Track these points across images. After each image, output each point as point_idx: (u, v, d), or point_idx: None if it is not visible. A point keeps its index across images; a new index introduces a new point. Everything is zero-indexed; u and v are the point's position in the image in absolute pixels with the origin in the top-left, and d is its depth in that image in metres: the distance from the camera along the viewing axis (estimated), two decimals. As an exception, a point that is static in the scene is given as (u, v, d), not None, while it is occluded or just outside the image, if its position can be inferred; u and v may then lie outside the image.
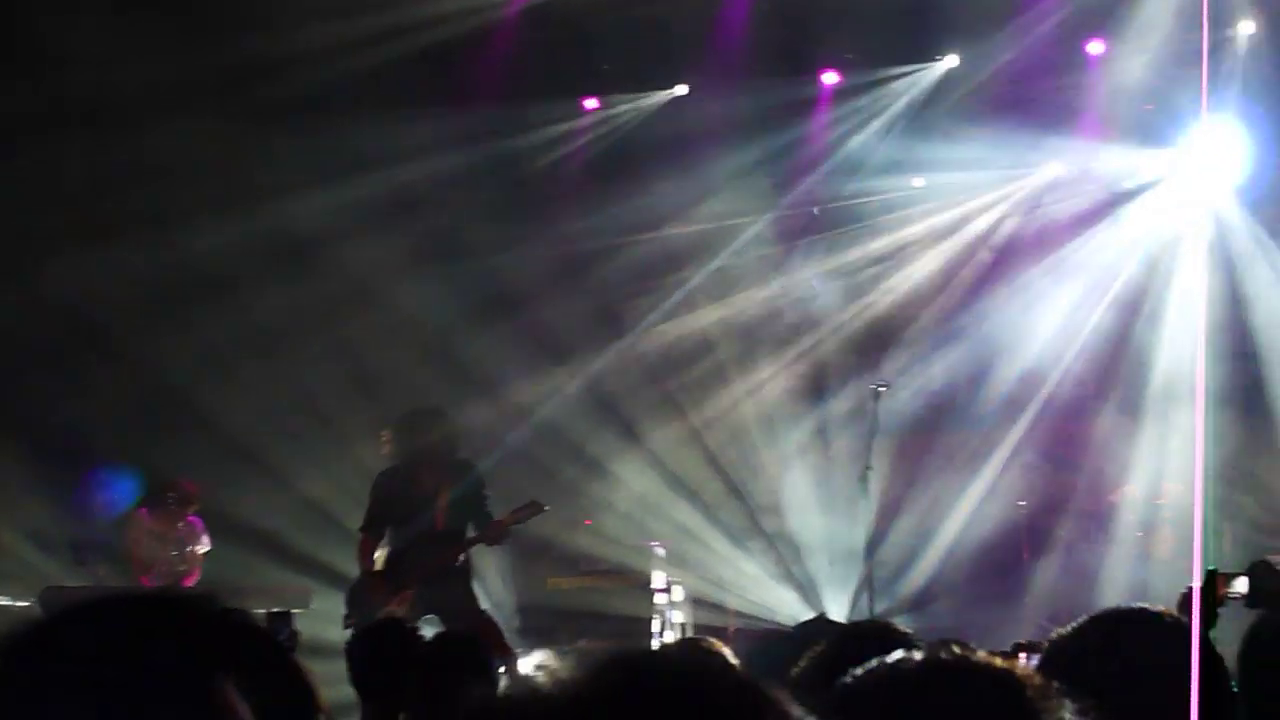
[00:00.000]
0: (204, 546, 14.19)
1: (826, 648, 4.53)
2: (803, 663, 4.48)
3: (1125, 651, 3.72)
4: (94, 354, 15.76)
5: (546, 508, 12.54)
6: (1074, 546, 16.01)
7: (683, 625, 15.52)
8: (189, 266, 15.78)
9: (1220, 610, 5.54)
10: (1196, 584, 4.92)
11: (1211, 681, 3.60)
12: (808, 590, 16.55)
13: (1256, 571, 5.76)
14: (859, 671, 2.55)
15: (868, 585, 13.40)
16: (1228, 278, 15.94)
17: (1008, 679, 2.46)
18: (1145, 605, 3.93)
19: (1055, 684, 2.45)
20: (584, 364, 17.19)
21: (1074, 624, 3.94)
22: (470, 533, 12.25)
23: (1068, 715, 2.40)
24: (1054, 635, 3.98)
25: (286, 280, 15.97)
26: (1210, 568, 5.61)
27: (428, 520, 12.15)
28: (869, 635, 4.73)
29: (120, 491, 15.14)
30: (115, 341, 15.58)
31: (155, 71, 14.45)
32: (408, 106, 15.68)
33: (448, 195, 16.51)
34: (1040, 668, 3.66)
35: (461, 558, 12.24)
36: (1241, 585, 5.71)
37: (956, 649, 2.53)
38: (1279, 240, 16.34)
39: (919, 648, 4.46)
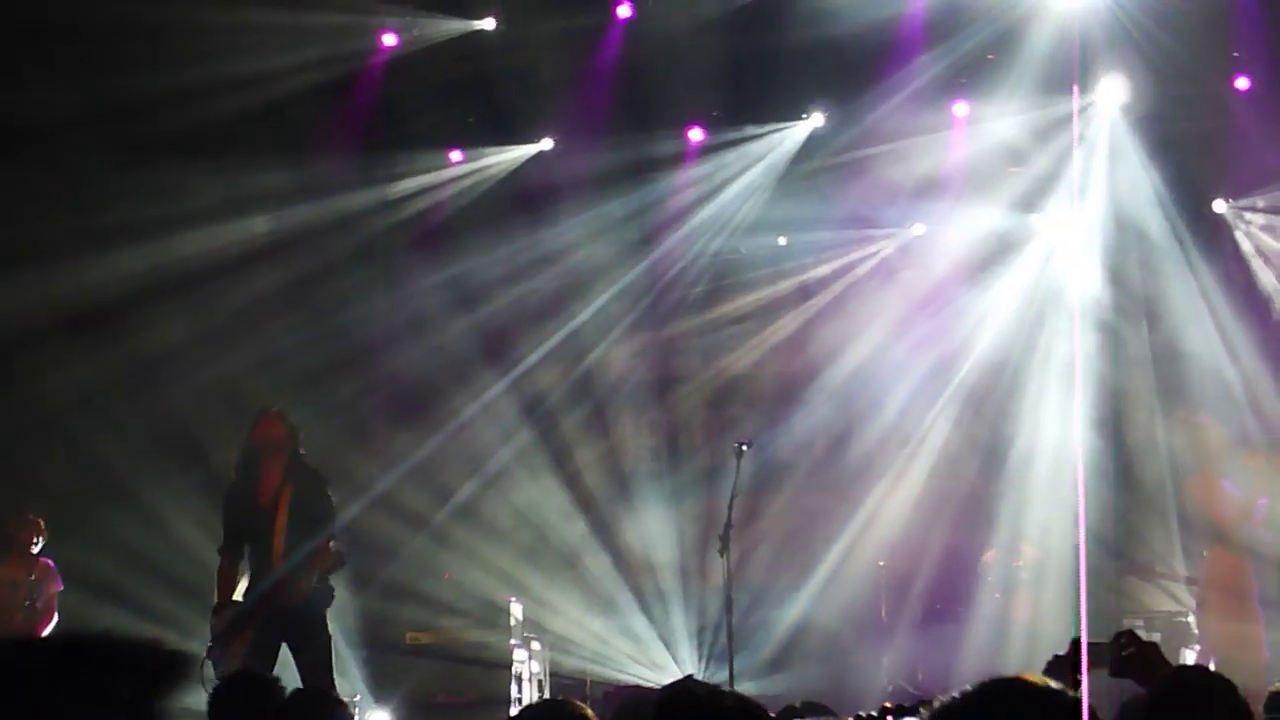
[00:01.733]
0: (57, 588, 13.75)
1: (669, 709, 4.70)
2: None
3: None
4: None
5: (344, 562, 11.92)
6: (933, 608, 16.02)
7: (539, 680, 15.39)
8: (52, 299, 15.52)
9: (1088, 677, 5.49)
10: (1084, 643, 4.84)
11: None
12: (667, 646, 16.46)
13: (1121, 641, 5.65)
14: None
15: (728, 644, 13.31)
16: (1096, 341, 16.09)
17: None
18: (1029, 676, 3.79)
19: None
20: (448, 415, 17.02)
21: (958, 692, 3.78)
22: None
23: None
24: (937, 702, 3.81)
25: (160, 315, 15.82)
26: (1074, 637, 5.55)
27: (268, 542, 11.75)
28: (699, 698, 4.82)
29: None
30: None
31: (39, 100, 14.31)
32: (266, 154, 15.56)
33: (313, 242, 16.35)
34: None
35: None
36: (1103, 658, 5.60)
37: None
38: (1140, 301, 16.58)
39: (764, 715, 4.49)
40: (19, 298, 15.25)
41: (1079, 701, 3.69)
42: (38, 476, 15.45)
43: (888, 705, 6.13)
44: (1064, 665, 5.44)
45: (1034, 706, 3.70)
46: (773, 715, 4.68)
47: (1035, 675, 3.82)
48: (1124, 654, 5.59)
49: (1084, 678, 4.64)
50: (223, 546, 11.91)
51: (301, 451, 11.96)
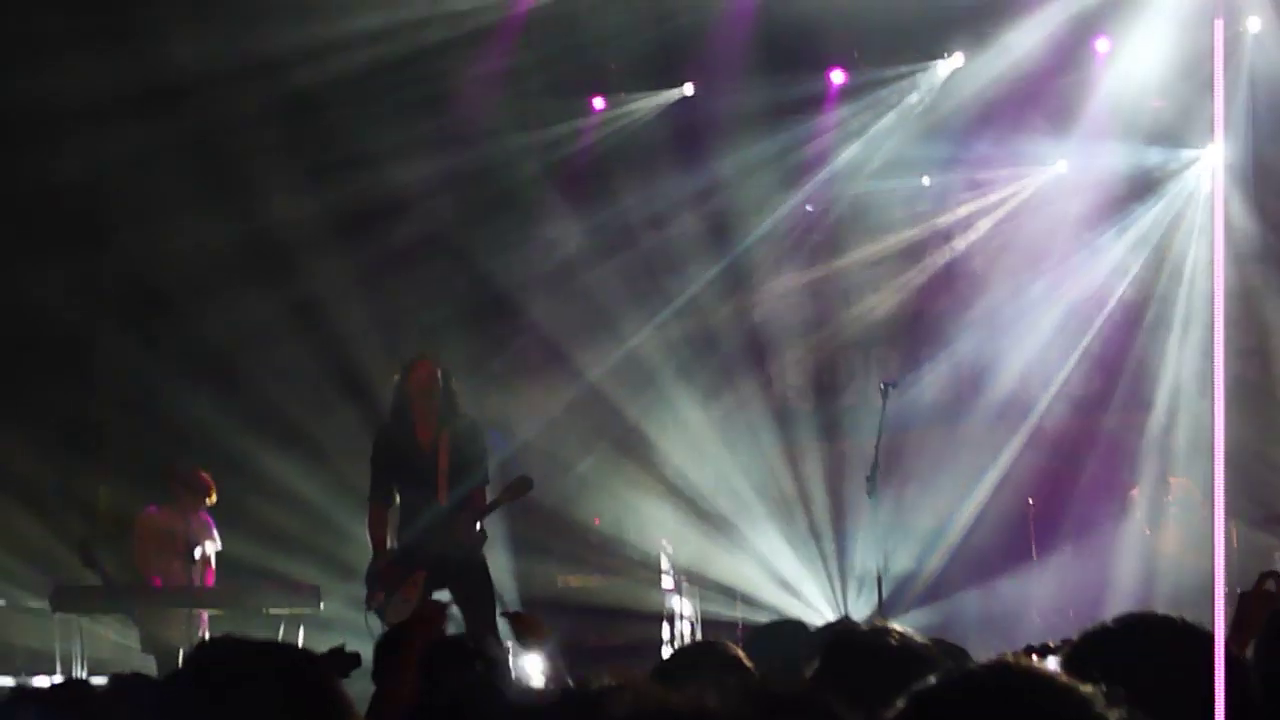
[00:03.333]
0: (215, 545, 13.81)
1: (838, 651, 4.67)
2: (816, 664, 4.62)
3: (1157, 660, 3.75)
4: (93, 349, 15.83)
5: (532, 486, 11.98)
6: (1082, 544, 15.96)
7: (691, 623, 15.52)
8: (180, 262, 15.89)
9: None
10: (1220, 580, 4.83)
11: (1237, 695, 3.58)
12: (818, 586, 16.59)
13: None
14: (931, 681, 2.64)
15: (878, 583, 13.35)
16: (1237, 274, 15.95)
17: (1076, 694, 2.56)
18: (1173, 615, 3.94)
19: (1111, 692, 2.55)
20: (594, 362, 17.16)
21: (1099, 626, 3.98)
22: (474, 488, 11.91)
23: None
24: (1078, 637, 4.01)
25: (280, 280, 16.10)
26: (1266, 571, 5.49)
27: (430, 485, 11.82)
28: (862, 641, 4.86)
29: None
30: (109, 337, 15.67)
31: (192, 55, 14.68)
32: (406, 107, 15.81)
33: (443, 197, 16.53)
34: (1065, 669, 3.62)
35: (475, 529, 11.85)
36: None
37: (1014, 660, 2.63)
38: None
39: (928, 653, 4.56)
40: (185, 240, 15.63)
41: (1209, 633, 3.75)
42: (201, 418, 15.74)
43: (1033, 645, 6.14)
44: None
45: (1173, 641, 3.82)
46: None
47: (1175, 611, 3.95)
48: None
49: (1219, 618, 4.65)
50: (374, 494, 11.99)
51: (455, 394, 12.02)
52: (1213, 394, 14.89)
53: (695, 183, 17.09)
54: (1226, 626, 4.95)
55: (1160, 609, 4.33)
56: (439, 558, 11.58)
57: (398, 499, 11.96)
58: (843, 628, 6.83)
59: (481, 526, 11.85)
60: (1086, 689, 2.59)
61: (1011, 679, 2.60)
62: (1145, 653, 3.80)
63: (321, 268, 16.27)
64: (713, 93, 16.78)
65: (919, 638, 4.87)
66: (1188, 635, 3.83)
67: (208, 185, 15.46)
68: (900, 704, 2.63)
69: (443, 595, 11.43)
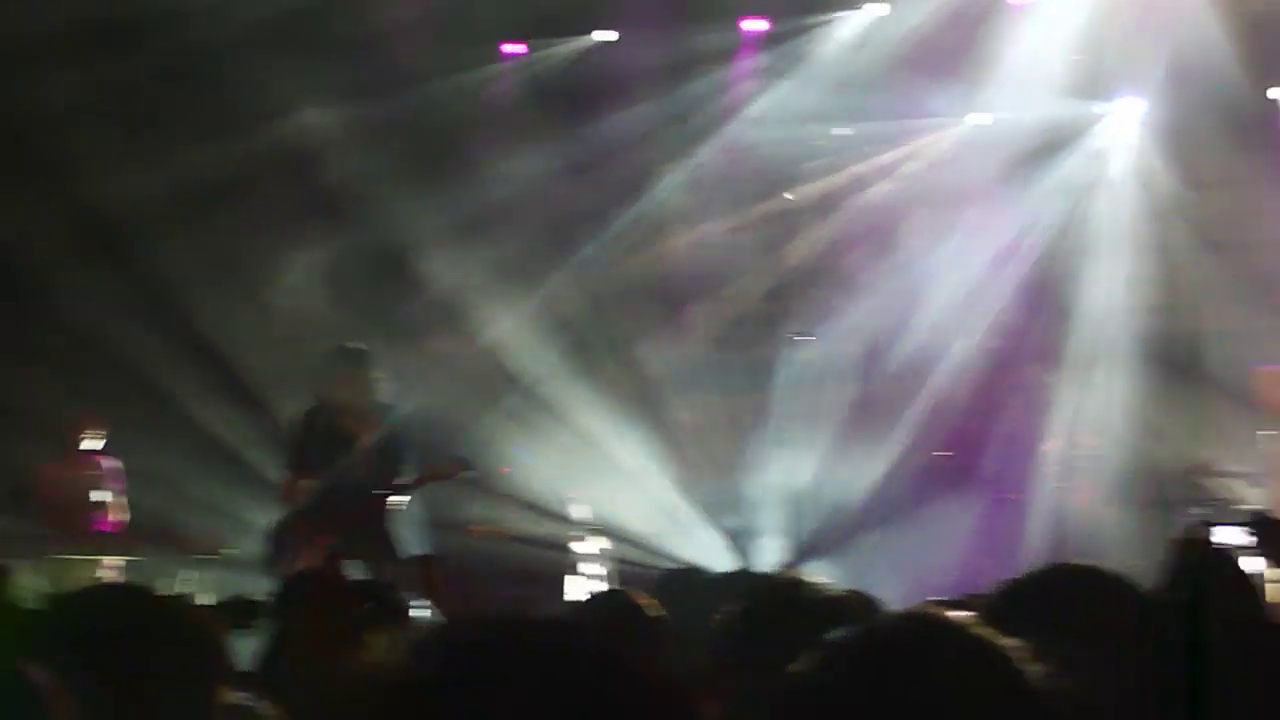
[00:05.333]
0: (120, 489, 13.98)
1: (748, 599, 4.71)
2: (725, 611, 4.66)
3: (1077, 609, 3.72)
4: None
5: (473, 468, 12.69)
6: (995, 498, 16.09)
7: (601, 571, 15.51)
8: (98, 213, 15.70)
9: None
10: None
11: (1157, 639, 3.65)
12: (727, 536, 16.49)
13: (1259, 521, 5.65)
14: (844, 632, 2.55)
15: (789, 535, 13.44)
16: (1154, 229, 16.09)
17: (991, 645, 2.49)
18: (1095, 563, 3.97)
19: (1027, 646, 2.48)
20: (504, 313, 17.08)
21: (1018, 577, 3.95)
22: (394, 478, 12.20)
23: (1039, 678, 2.43)
24: (997, 589, 3.96)
25: (198, 227, 16.03)
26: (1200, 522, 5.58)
27: (350, 467, 12.03)
28: (780, 590, 4.90)
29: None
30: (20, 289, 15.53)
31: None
32: (313, 55, 15.68)
33: (355, 146, 16.45)
34: (985, 622, 3.65)
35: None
36: (1237, 537, 5.59)
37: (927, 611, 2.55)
38: (1201, 189, 16.45)
39: (840, 602, 4.56)
40: (67, 204, 15.51)
41: (1133, 584, 3.78)
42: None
43: (947, 599, 6.18)
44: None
45: (1093, 589, 3.83)
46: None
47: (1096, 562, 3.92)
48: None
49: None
50: (288, 465, 12.31)
51: (382, 382, 12.40)
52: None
53: (607, 133, 16.97)
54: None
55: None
56: (344, 529, 11.68)
57: (315, 479, 12.09)
58: (755, 576, 6.95)
59: (395, 501, 12.18)
60: (1006, 642, 2.52)
61: (929, 630, 2.51)
62: (1066, 602, 3.75)
63: (224, 222, 16.22)
64: (628, 40, 16.80)
65: (835, 588, 4.89)
66: (1107, 582, 3.85)
67: (117, 139, 15.32)
68: (812, 655, 2.53)
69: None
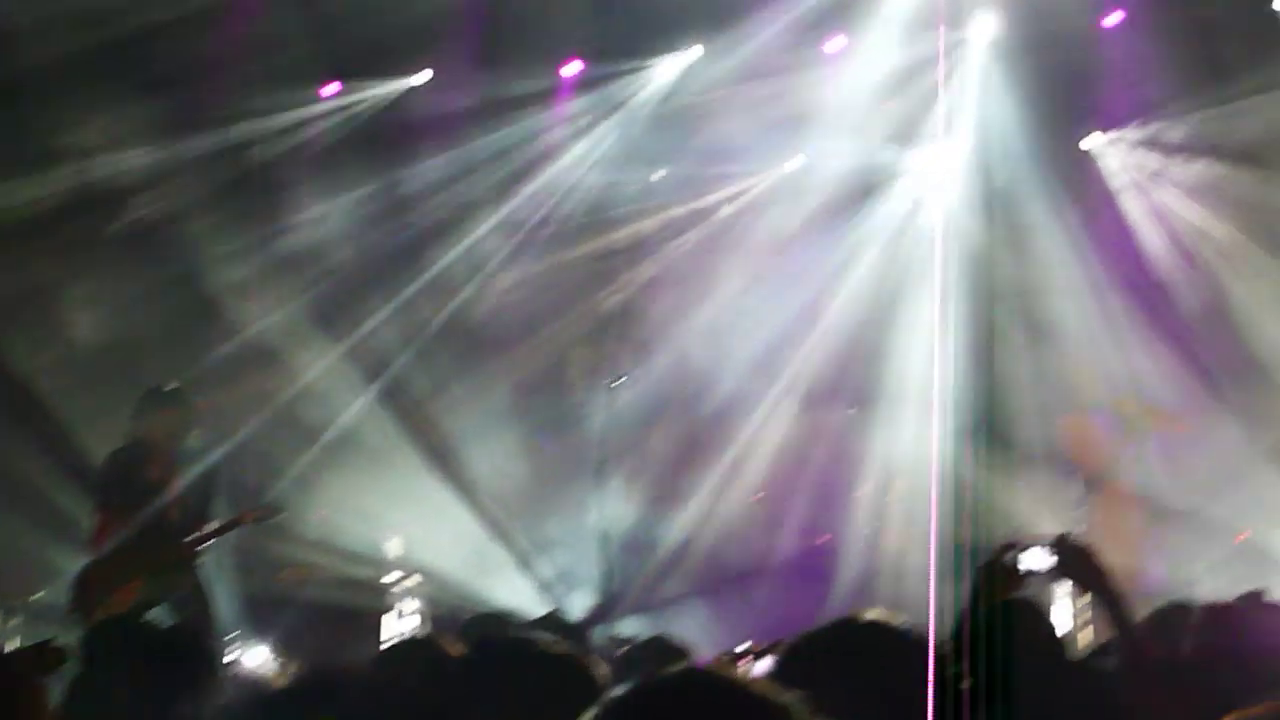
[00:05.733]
0: None
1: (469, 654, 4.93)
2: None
3: (860, 664, 3.79)
4: None
5: (284, 511, 12.96)
6: (807, 542, 16.32)
7: (415, 613, 15.53)
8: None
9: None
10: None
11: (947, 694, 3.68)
12: (540, 578, 16.56)
13: (1062, 543, 5.71)
14: (626, 687, 2.58)
15: (604, 578, 13.53)
16: (966, 273, 16.36)
17: (770, 703, 2.51)
18: (880, 616, 4.03)
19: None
20: (318, 354, 16.90)
21: (808, 631, 4.05)
22: (205, 522, 12.22)
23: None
24: (788, 642, 4.08)
25: (3, 263, 15.76)
26: (1005, 542, 5.65)
27: (159, 508, 11.98)
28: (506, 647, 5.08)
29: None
30: None
31: None
32: (122, 92, 15.50)
33: (167, 186, 16.29)
34: (775, 675, 3.72)
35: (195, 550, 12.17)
36: (1042, 559, 5.69)
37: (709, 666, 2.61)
38: (1010, 234, 16.78)
39: (641, 654, 4.58)
40: None
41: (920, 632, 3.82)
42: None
43: (744, 648, 6.29)
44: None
45: (877, 644, 3.88)
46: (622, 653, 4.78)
47: (881, 611, 4.05)
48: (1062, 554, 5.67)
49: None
50: (96, 507, 12.20)
51: (193, 426, 12.60)
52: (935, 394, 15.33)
53: (425, 173, 17.07)
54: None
55: (883, 606, 4.42)
56: (152, 571, 11.75)
57: (125, 523, 11.99)
58: (555, 623, 7.04)
59: (204, 546, 12.24)
60: (785, 697, 2.53)
61: (699, 687, 2.51)
62: (851, 655, 3.83)
63: (31, 260, 15.93)
64: (445, 83, 16.77)
65: (563, 645, 4.89)
66: (892, 637, 3.90)
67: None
68: (593, 710, 2.55)
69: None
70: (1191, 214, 16.84)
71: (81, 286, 16.27)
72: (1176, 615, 6.53)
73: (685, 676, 2.55)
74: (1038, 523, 15.03)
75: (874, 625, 3.96)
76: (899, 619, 4.00)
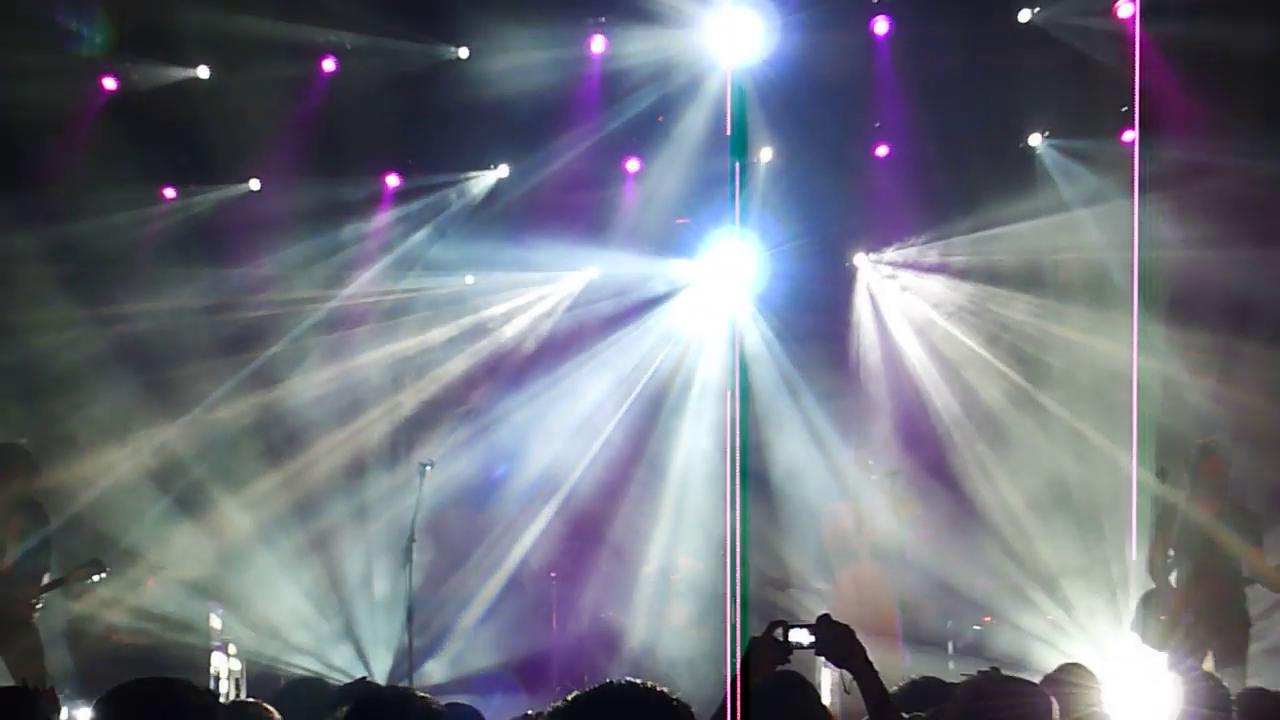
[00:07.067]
0: None
1: (360, 709, 5.25)
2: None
3: None
4: None
5: (107, 570, 12.88)
6: (597, 616, 17.03)
7: (236, 679, 16.06)
8: None
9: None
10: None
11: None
12: (355, 649, 17.20)
13: (821, 624, 6.04)
14: None
15: (409, 649, 13.91)
16: (751, 375, 17.42)
17: None
18: (637, 681, 4.11)
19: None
20: (148, 436, 17.42)
21: (573, 696, 4.09)
22: (39, 582, 12.40)
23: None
24: (552, 707, 4.14)
25: None
26: (776, 622, 6.00)
27: None
28: (389, 702, 5.50)
29: None
30: None
31: None
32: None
33: (13, 273, 16.75)
34: None
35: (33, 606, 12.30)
36: (804, 637, 5.97)
37: None
38: (785, 341, 17.91)
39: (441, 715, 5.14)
40: None
41: (679, 702, 4.00)
42: None
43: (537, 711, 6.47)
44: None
45: (638, 709, 4.02)
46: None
47: (647, 680, 4.15)
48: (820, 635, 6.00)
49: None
50: None
51: (30, 483, 12.64)
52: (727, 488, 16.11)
53: (250, 274, 17.57)
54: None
55: (660, 677, 4.80)
56: None
57: None
58: (366, 689, 7.53)
59: (37, 600, 12.42)
60: None
61: None
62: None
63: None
64: (276, 189, 17.33)
65: (438, 703, 5.30)
66: (653, 704, 4.02)
67: None
68: None
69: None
70: (941, 326, 17.90)
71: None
72: (926, 688, 7.22)
73: None
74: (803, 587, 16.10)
75: (631, 690, 4.04)
76: (685, 685, 4.41)
